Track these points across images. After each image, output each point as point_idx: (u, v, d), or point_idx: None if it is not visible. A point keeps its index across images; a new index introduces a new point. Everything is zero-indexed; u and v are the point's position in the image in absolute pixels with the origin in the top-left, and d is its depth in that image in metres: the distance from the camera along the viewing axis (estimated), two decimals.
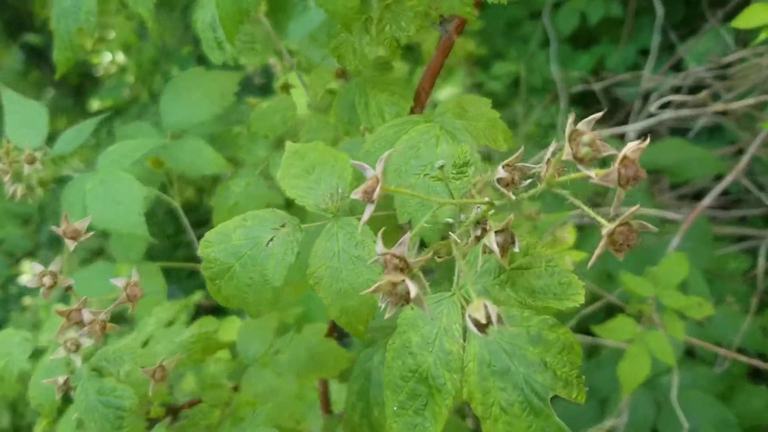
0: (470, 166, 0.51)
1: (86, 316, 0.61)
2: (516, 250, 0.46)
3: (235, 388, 0.94)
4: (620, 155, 0.37)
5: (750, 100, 1.61)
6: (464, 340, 0.50)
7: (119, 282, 0.63)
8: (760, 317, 2.01)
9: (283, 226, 0.62)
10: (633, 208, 0.37)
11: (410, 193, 0.49)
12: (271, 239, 0.61)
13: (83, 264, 2.29)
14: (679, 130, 2.74)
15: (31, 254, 3.46)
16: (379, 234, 0.43)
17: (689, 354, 1.97)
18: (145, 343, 0.78)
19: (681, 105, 2.01)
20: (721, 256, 2.36)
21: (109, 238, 0.98)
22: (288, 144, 0.68)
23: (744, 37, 2.33)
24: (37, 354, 0.75)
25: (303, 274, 0.63)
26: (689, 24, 3.00)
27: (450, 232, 0.49)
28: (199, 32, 0.85)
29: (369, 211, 0.43)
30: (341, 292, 0.61)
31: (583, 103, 3.05)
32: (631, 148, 0.37)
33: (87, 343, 0.67)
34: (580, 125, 0.37)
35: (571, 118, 0.36)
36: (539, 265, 0.53)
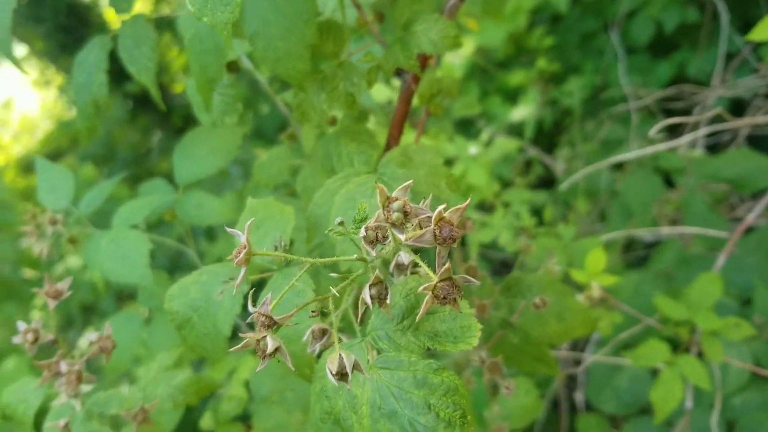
0: (366, 221, 0.55)
1: (63, 367, 0.69)
2: (388, 301, 0.49)
3: (248, 427, 1.00)
4: (435, 216, 0.40)
5: None
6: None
7: (92, 336, 0.71)
8: None
9: (231, 279, 0.67)
10: (446, 266, 0.40)
11: (265, 253, 0.53)
12: (221, 292, 0.67)
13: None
14: (761, 137, 2.61)
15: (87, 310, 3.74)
16: (250, 293, 0.48)
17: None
18: (145, 388, 0.85)
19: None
20: None
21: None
22: (248, 200, 0.74)
23: None
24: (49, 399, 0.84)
25: None
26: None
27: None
28: (189, 97, 0.93)
29: (242, 273, 0.47)
30: (287, 338, 0.66)
31: (665, 112, 2.96)
32: (447, 209, 0.40)
33: (85, 389, 0.75)
34: (396, 192, 0.41)
35: (379, 189, 0.40)
36: (443, 310, 0.55)
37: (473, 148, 1.81)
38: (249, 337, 0.46)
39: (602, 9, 3.33)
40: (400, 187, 0.41)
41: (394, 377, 0.52)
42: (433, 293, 0.41)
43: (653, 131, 1.33)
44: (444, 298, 0.41)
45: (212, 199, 1.03)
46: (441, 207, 0.40)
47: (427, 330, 0.55)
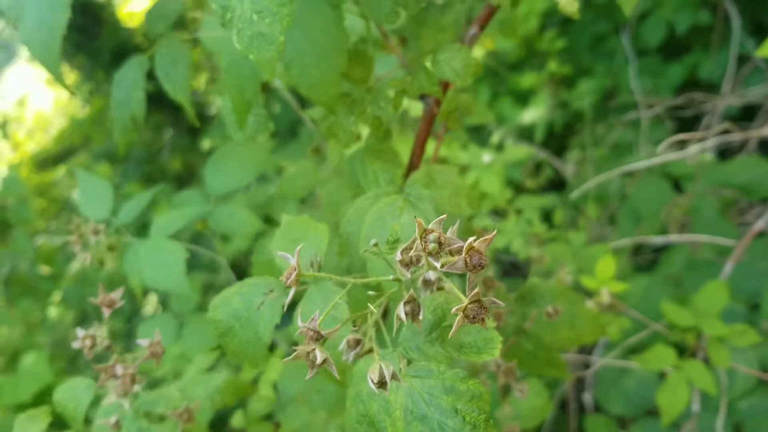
0: (400, 242, 0.61)
1: (119, 370, 0.75)
2: (420, 317, 0.55)
3: (277, 426, 1.06)
4: (466, 246, 0.46)
5: None
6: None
7: (144, 342, 0.77)
8: None
9: (272, 291, 0.73)
10: (476, 290, 0.46)
11: (312, 275, 0.59)
12: (262, 303, 0.73)
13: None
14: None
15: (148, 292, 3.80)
16: (299, 311, 0.54)
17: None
18: (183, 390, 0.92)
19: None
20: None
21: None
22: (283, 217, 0.80)
23: None
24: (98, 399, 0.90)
25: None
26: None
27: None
28: (224, 116, 0.99)
29: (291, 293, 0.54)
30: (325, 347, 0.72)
31: (675, 116, 3.00)
32: (477, 239, 0.46)
33: (133, 390, 0.81)
34: (432, 225, 0.47)
35: (418, 223, 0.46)
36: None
37: (486, 156, 1.87)
38: (300, 349, 0.52)
39: (613, 11, 3.36)
40: (435, 221, 0.47)
41: (425, 384, 0.58)
42: (464, 314, 0.47)
43: (662, 148, 1.39)
44: (473, 318, 0.47)
45: (242, 210, 1.09)
46: (471, 239, 0.46)
47: (453, 342, 0.61)
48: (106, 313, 0.78)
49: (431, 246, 0.46)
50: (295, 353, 0.52)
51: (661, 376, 1.90)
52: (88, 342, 0.77)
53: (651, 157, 2.28)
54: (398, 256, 0.52)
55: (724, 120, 2.56)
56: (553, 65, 3.49)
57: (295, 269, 0.53)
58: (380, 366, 0.51)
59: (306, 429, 1.01)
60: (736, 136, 1.73)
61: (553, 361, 1.05)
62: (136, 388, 0.82)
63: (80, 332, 0.79)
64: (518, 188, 3.01)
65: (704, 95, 2.54)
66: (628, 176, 2.69)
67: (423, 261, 0.53)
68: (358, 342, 0.65)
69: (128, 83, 1.06)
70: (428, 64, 0.81)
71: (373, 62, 0.85)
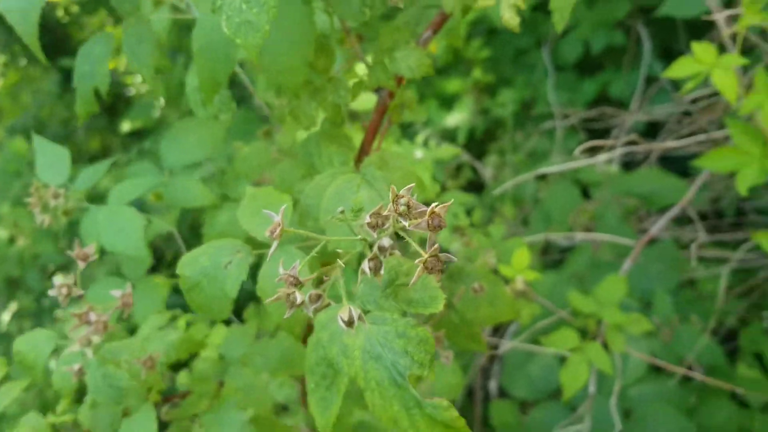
0: (362, 212, 0.71)
1: (92, 317, 0.82)
2: (381, 272, 0.66)
3: (221, 384, 1.14)
4: (429, 210, 0.56)
5: (701, 137, 1.78)
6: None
7: (116, 293, 0.84)
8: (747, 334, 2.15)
9: (238, 252, 0.82)
10: (436, 246, 0.57)
11: (298, 231, 0.69)
12: (229, 262, 0.82)
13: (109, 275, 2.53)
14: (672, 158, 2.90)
15: (63, 268, 3.73)
16: (281, 261, 0.63)
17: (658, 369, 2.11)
18: (142, 343, 0.99)
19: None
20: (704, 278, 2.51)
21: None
22: (248, 188, 0.89)
23: None
24: (60, 349, 0.96)
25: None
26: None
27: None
28: (188, 93, 1.07)
29: (274, 245, 0.63)
30: (281, 303, 0.81)
31: (587, 128, 3.21)
32: (437, 206, 0.57)
33: (97, 339, 0.88)
34: (402, 191, 0.57)
35: (392, 189, 0.56)
36: (417, 283, 0.72)
37: (418, 152, 2.00)
38: (281, 291, 0.61)
39: (537, 27, 3.56)
40: (405, 188, 0.58)
41: (381, 330, 0.68)
42: (424, 265, 0.58)
43: (577, 151, 1.54)
44: (431, 269, 0.58)
45: (198, 184, 1.16)
46: (434, 204, 0.56)
47: (404, 297, 0.72)
48: (82, 265, 0.85)
49: (401, 208, 0.57)
50: (277, 295, 0.62)
51: (563, 361, 2.08)
52: (64, 290, 0.84)
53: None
54: (367, 219, 0.62)
55: (631, 134, 2.79)
56: (477, 73, 3.66)
57: (279, 224, 0.63)
58: (350, 308, 0.61)
59: (248, 388, 1.09)
60: (641, 148, 1.92)
61: (475, 336, 1.17)
62: (97, 339, 0.89)
63: (57, 281, 0.85)
64: (441, 188, 3.16)
65: (614, 110, 2.76)
66: (542, 181, 2.88)
67: (388, 224, 0.63)
68: (318, 297, 0.75)
69: (94, 57, 1.12)
70: (386, 60, 0.92)
71: (335, 55, 0.95)
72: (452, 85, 3.69)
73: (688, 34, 2.92)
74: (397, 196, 0.57)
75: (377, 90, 0.97)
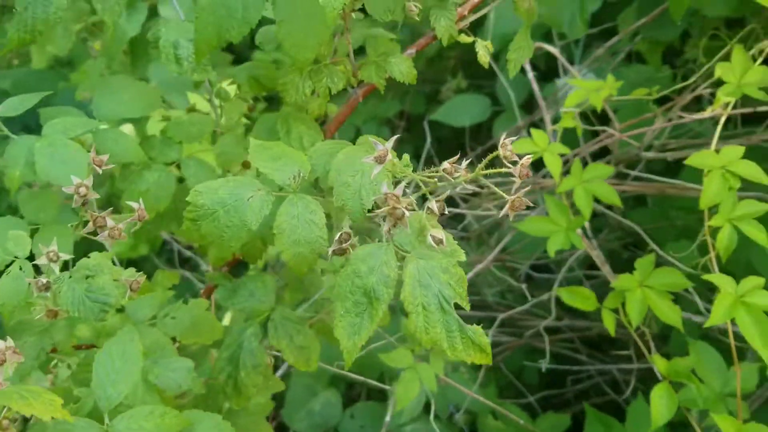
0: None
1: (110, 222, 0.79)
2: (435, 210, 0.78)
3: None
4: (521, 162, 0.72)
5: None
6: (399, 270, 0.79)
7: (135, 204, 0.83)
8: None
9: (259, 190, 0.87)
10: (524, 188, 0.72)
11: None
12: (252, 196, 0.86)
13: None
14: None
15: None
16: (386, 181, 0.73)
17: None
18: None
19: None
20: None
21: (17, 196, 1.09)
22: (251, 140, 0.93)
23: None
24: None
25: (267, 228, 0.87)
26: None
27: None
28: (160, 46, 1.07)
29: (377, 168, 0.73)
30: (296, 242, 0.87)
31: None
32: (524, 159, 0.72)
33: (64, 256, 0.84)
34: (506, 140, 0.72)
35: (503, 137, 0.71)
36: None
37: None
38: (386, 208, 0.71)
39: None
40: (508, 139, 0.73)
41: (428, 264, 0.79)
42: (512, 204, 0.72)
43: None
44: (518, 207, 0.72)
45: (128, 137, 1.13)
46: (526, 156, 0.72)
47: (428, 245, 0.84)
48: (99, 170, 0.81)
49: (507, 153, 0.71)
50: (384, 208, 0.71)
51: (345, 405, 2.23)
52: (82, 190, 0.79)
53: None
54: (445, 165, 0.75)
55: None
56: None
57: (387, 151, 0.72)
58: (440, 230, 0.73)
59: (155, 346, 1.06)
60: None
61: None
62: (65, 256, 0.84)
63: (75, 179, 0.80)
64: None
65: None
66: None
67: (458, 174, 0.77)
68: (349, 236, 0.84)
69: None
70: (381, 62, 1.05)
71: (334, 44, 1.07)
72: None
73: None
74: (504, 144, 0.71)
75: (356, 86, 1.09)
